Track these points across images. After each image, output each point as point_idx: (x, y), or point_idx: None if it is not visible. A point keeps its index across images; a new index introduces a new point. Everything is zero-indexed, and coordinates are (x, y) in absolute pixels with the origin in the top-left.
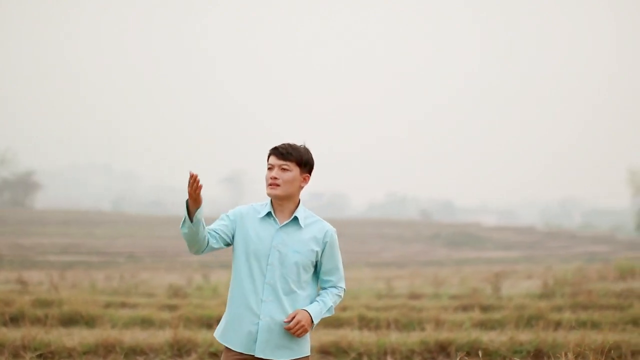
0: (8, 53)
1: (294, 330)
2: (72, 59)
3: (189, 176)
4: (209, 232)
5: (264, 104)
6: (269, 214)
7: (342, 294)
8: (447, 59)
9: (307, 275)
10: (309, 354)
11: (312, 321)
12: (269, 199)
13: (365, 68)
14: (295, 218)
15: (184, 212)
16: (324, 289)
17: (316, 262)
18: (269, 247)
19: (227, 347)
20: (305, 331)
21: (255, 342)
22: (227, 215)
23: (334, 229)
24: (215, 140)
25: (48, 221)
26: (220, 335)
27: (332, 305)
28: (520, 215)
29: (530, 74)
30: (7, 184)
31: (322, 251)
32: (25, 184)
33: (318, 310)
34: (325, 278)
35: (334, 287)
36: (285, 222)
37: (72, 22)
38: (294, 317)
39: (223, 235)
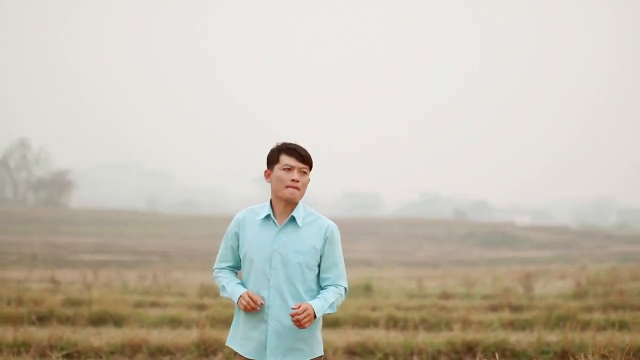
0: (34, 51)
1: (300, 317)
2: (76, 59)
3: (253, 301)
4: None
5: (265, 104)
6: (268, 217)
7: (342, 293)
8: (470, 50)
9: (313, 275)
10: (321, 354)
11: (315, 315)
12: (268, 200)
13: (369, 67)
14: (293, 218)
15: (230, 295)
16: (324, 287)
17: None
18: (270, 251)
19: (239, 354)
20: (310, 321)
21: (266, 348)
22: (226, 235)
23: (335, 225)
24: (215, 140)
25: (81, 220)
26: (232, 342)
27: (333, 302)
28: (554, 215)
29: (558, 69)
30: (42, 183)
31: (323, 247)
32: (60, 183)
33: (320, 305)
34: (324, 275)
35: (334, 285)
36: (283, 224)
37: (73, 22)
38: (300, 306)
39: (237, 264)
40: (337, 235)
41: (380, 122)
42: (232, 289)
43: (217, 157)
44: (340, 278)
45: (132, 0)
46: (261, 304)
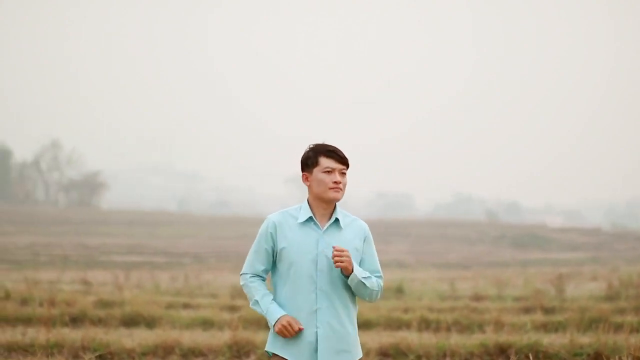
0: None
1: (338, 255)
2: (108, 61)
3: (292, 327)
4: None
5: (293, 107)
6: (309, 219)
7: (381, 287)
8: (502, 42)
9: None
10: (361, 355)
11: (352, 271)
12: (305, 202)
13: (386, 64)
14: (337, 220)
15: (264, 312)
16: None
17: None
18: (316, 254)
19: (279, 357)
20: (344, 265)
21: (317, 351)
22: (259, 239)
23: (367, 225)
24: (247, 142)
25: (113, 221)
26: (280, 349)
27: (372, 283)
28: (587, 217)
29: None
30: (74, 184)
31: (362, 248)
32: (91, 184)
33: (360, 270)
34: None
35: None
36: (327, 225)
37: (100, 24)
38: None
39: (269, 268)
40: (371, 235)
41: (414, 122)
42: (267, 306)
43: (248, 159)
44: (379, 278)
45: (135, 1)
46: (299, 329)
